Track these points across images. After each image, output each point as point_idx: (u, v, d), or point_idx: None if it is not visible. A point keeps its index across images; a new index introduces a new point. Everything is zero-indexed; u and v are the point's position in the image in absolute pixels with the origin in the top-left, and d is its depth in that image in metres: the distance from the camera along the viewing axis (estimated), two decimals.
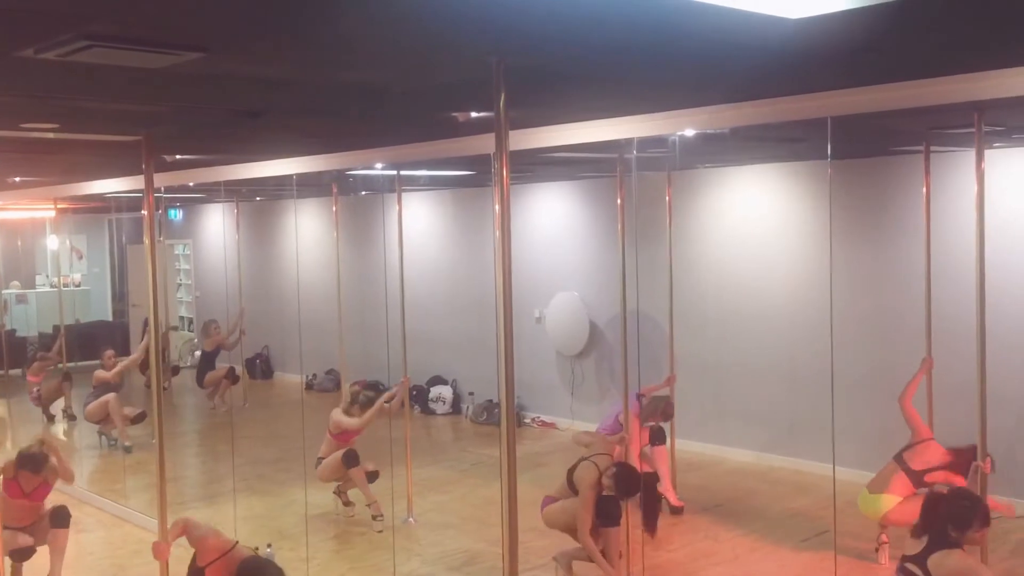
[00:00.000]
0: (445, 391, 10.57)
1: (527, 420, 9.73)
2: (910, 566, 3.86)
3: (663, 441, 6.79)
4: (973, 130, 4.35)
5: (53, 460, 5.64)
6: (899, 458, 5.64)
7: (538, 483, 6.97)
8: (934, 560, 3.73)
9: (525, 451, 8.39)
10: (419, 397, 10.33)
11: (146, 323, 5.90)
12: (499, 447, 3.03)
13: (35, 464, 5.52)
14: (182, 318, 12.82)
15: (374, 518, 6.67)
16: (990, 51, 3.17)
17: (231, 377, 10.35)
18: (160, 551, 4.61)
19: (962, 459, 5.16)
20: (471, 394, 10.27)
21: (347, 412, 7.01)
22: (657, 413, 6.68)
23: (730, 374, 8.20)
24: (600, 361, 9.35)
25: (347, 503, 7.04)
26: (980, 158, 4.37)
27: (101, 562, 6.36)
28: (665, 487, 6.64)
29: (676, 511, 6.69)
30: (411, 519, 6.82)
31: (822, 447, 6.97)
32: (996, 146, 6.34)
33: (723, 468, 7.84)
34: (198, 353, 11.95)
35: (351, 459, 6.70)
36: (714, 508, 6.94)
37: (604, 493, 5.33)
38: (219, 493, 7.65)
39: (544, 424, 9.64)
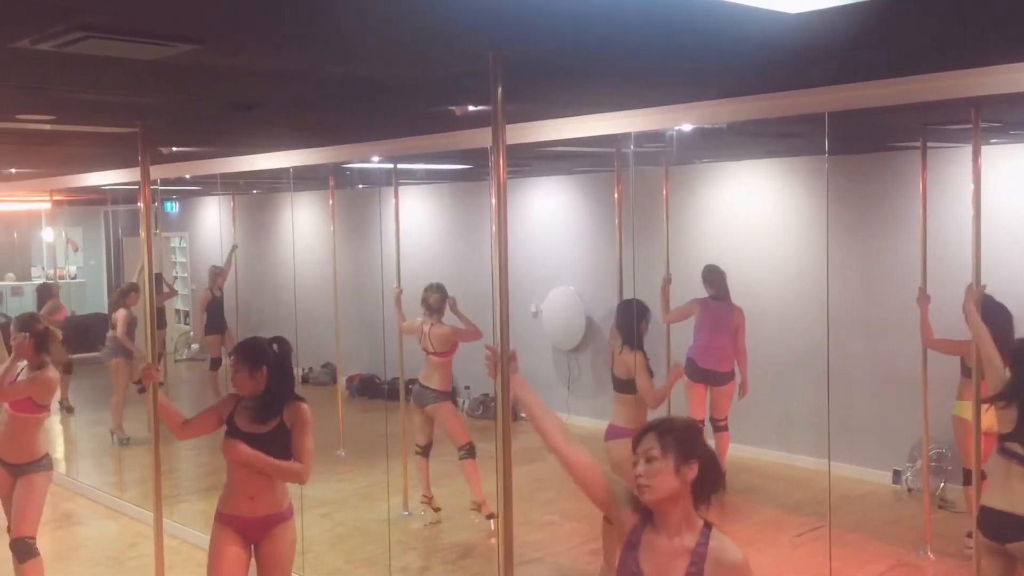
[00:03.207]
0: None
1: (523, 415, 9.70)
2: (1011, 445, 3.80)
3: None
4: (970, 126, 4.35)
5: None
6: (965, 371, 5.49)
7: (533, 477, 6.98)
8: None
9: (520, 446, 8.37)
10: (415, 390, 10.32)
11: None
12: (494, 441, 3.04)
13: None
14: (178, 311, 12.80)
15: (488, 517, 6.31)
16: (988, 47, 3.17)
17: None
18: (150, 375, 4.47)
19: None
20: (467, 388, 10.26)
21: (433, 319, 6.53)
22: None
23: None
24: (596, 356, 9.35)
25: (436, 508, 6.72)
26: (977, 154, 4.37)
27: (96, 554, 6.36)
28: None
29: None
30: (407, 512, 6.82)
31: (817, 442, 6.98)
32: (993, 142, 6.34)
33: None
34: (195, 346, 11.94)
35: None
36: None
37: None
38: (215, 486, 7.62)
39: None
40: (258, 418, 4.05)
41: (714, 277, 7.09)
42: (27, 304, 10.40)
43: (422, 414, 6.71)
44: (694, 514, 2.44)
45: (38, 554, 4.98)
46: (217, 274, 10.14)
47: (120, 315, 8.97)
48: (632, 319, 5.15)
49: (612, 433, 5.13)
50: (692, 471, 2.40)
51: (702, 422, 6.86)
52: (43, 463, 5.06)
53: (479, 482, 6.44)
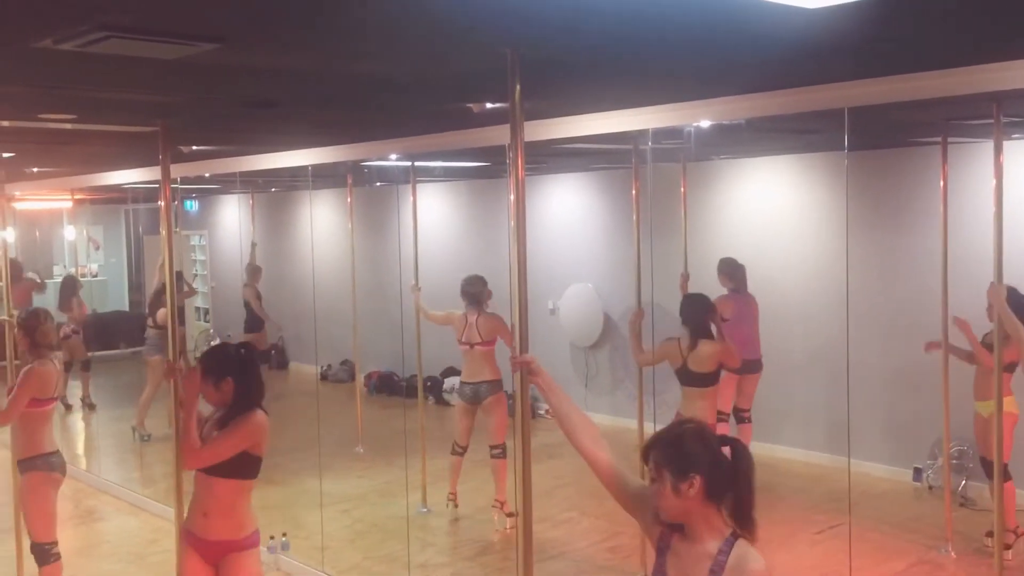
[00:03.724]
0: (459, 382, 10.57)
1: (541, 412, 9.73)
2: None
3: None
4: (992, 121, 4.32)
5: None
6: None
7: (551, 475, 6.99)
8: None
9: (539, 442, 8.37)
10: (433, 388, 10.34)
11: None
12: (513, 438, 3.04)
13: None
14: (198, 309, 12.88)
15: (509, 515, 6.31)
16: (1009, 41, 3.14)
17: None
18: (172, 371, 4.25)
19: None
20: None
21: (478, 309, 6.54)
22: None
23: None
24: (614, 353, 9.34)
25: (456, 505, 6.72)
26: (999, 150, 4.33)
27: (118, 550, 6.42)
28: None
29: None
30: (426, 509, 6.84)
31: (836, 439, 6.95)
32: (1015, 137, 6.28)
33: None
34: (214, 343, 12.00)
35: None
36: None
37: None
38: None
39: None
40: (221, 429, 3.78)
41: (733, 271, 7.07)
42: (49, 302, 10.49)
43: (471, 413, 6.68)
44: (719, 520, 2.36)
45: (56, 559, 4.90)
46: (256, 271, 10.28)
47: (161, 313, 9.10)
48: (701, 313, 5.56)
49: None
50: (693, 487, 2.30)
51: (727, 416, 6.84)
52: (37, 462, 4.85)
53: (505, 481, 6.45)
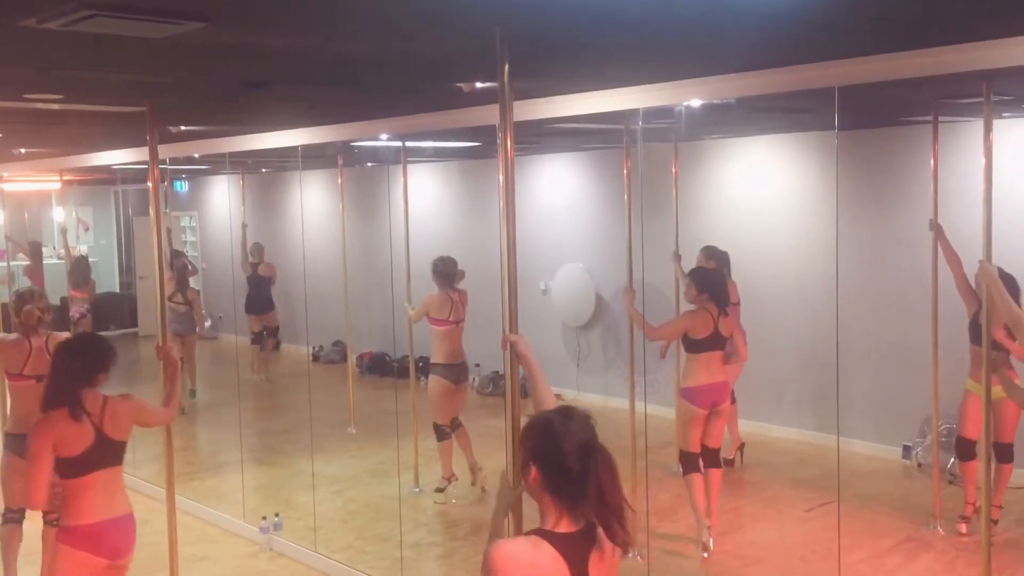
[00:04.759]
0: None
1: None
2: None
3: None
4: (982, 100, 4.31)
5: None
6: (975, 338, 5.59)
7: None
8: None
9: None
10: (425, 368, 10.33)
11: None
12: (504, 418, 3.05)
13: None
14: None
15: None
16: (1000, 19, 3.13)
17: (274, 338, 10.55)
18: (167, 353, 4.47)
19: None
20: (477, 366, 10.27)
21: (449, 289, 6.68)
22: None
23: None
24: (606, 333, 9.36)
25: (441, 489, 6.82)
26: (989, 128, 4.32)
27: None
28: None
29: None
30: (418, 489, 6.86)
31: (827, 418, 6.99)
32: (1005, 116, 6.29)
33: (727, 438, 7.86)
34: (208, 324, 11.97)
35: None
36: None
37: None
38: (227, 463, 7.71)
39: None
40: None
41: (717, 257, 6.98)
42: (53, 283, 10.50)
43: (453, 394, 6.79)
44: (562, 511, 2.25)
45: (13, 522, 5.11)
46: (262, 248, 10.31)
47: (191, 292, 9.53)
48: (724, 284, 5.98)
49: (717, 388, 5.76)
50: (530, 477, 2.27)
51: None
52: (9, 442, 5.03)
53: (471, 445, 6.83)
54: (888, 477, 6.97)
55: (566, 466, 2.23)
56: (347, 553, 5.74)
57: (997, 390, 5.51)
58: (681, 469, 5.82)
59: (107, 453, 3.74)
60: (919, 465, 7.05)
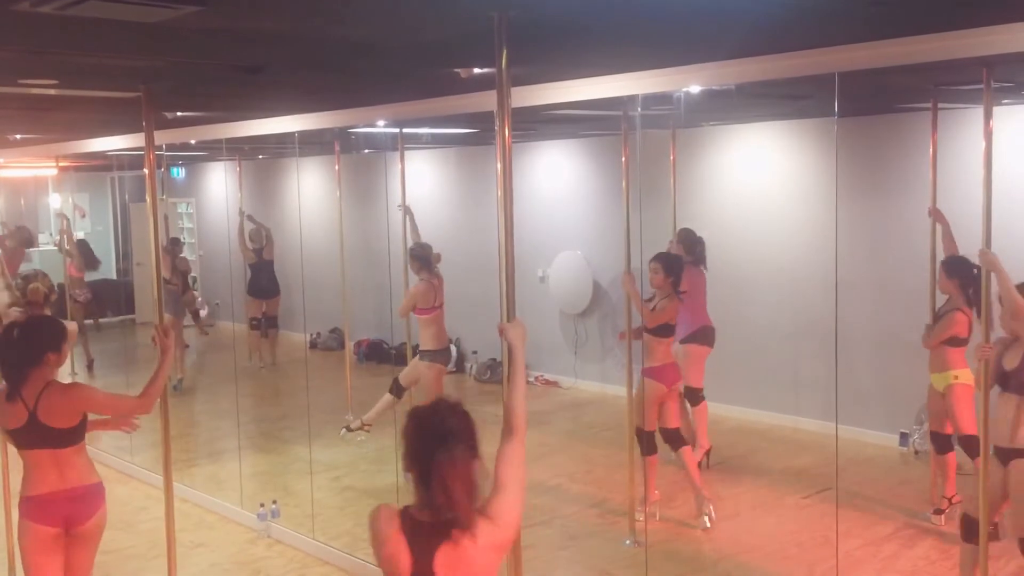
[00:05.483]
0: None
1: (530, 379, 9.77)
2: None
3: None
4: (982, 86, 4.29)
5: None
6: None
7: (540, 441, 7.02)
8: None
9: (528, 409, 8.42)
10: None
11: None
12: (502, 405, 3.05)
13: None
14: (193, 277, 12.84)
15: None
16: (1000, 5, 3.11)
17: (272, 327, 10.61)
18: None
19: None
20: (475, 353, 10.30)
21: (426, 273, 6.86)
22: None
23: (733, 332, 8.19)
24: (603, 320, 9.35)
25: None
26: (988, 115, 4.30)
27: (108, 518, 6.40)
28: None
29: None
30: None
31: (824, 405, 6.99)
32: (1005, 103, 6.27)
33: (725, 426, 7.87)
34: (203, 312, 11.97)
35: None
36: (716, 465, 6.98)
37: None
38: (224, 450, 7.71)
39: (547, 383, 9.67)
40: None
41: (692, 244, 6.88)
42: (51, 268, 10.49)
43: (443, 374, 7.08)
44: (423, 496, 2.41)
45: None
46: (262, 234, 10.30)
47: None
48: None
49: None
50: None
51: (701, 390, 6.84)
52: None
53: None
54: (885, 464, 6.98)
55: (417, 455, 2.36)
56: (345, 540, 5.74)
57: (938, 378, 5.59)
58: (640, 449, 5.83)
59: (44, 436, 3.74)
60: (916, 452, 7.06)
